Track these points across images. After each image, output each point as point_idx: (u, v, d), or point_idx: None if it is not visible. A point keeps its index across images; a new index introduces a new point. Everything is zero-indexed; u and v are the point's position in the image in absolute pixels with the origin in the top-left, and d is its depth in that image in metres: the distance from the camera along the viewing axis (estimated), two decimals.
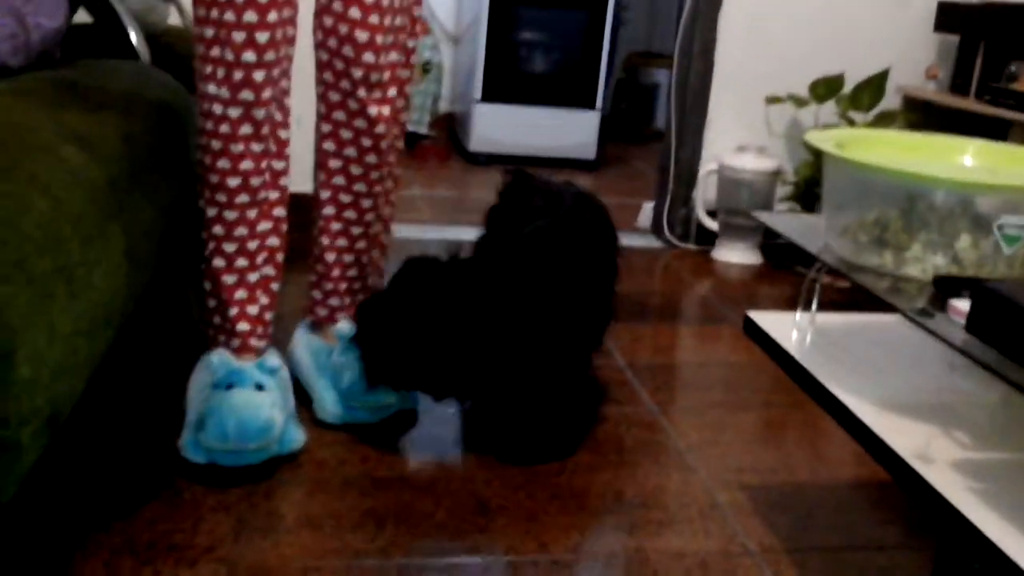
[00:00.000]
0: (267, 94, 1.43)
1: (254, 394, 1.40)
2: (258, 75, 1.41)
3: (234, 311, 1.50)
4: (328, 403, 1.57)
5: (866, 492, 1.51)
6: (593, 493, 1.44)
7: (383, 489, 1.40)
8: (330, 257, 1.66)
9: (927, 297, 1.04)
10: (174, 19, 2.30)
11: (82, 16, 1.79)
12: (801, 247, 1.23)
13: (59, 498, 1.32)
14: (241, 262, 1.50)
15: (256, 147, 1.44)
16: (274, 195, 1.50)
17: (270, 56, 1.41)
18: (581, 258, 1.56)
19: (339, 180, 1.62)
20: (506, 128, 3.86)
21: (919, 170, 1.10)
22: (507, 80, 3.84)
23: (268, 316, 1.54)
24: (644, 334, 2.10)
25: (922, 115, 2.61)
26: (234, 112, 1.41)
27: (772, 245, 2.70)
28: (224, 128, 1.41)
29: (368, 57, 1.52)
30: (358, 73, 1.53)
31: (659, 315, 2.23)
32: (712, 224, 2.70)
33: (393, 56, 1.56)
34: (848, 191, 1.19)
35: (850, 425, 1.11)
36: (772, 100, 2.60)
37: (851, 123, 2.52)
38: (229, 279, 1.50)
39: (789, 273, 2.60)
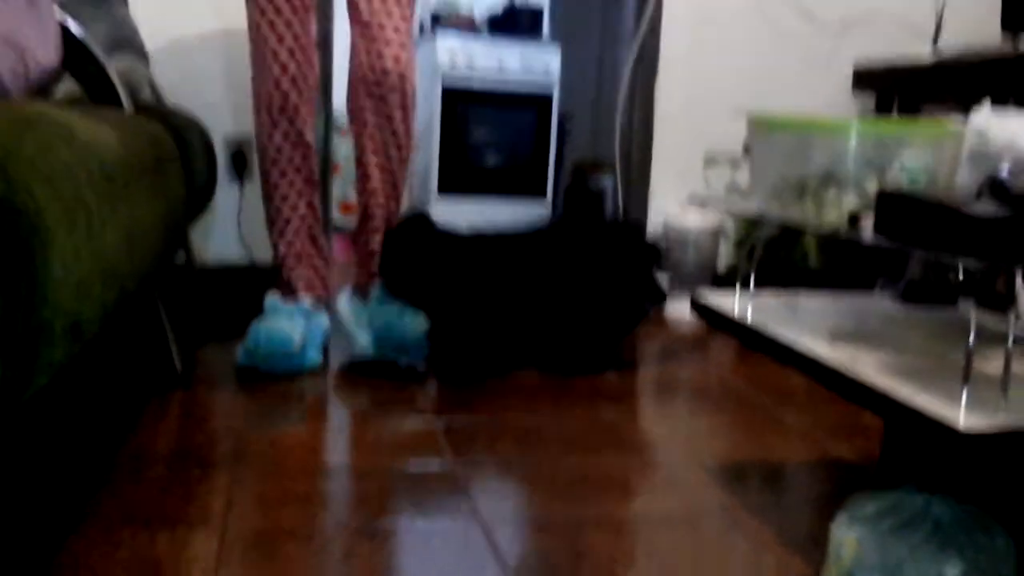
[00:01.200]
0: (294, 96, 2.09)
1: (284, 320, 2.07)
2: (284, 83, 2.07)
3: (287, 273, 2.18)
4: (363, 341, 2.10)
5: (815, 467, 1.62)
6: (560, 474, 1.53)
7: (366, 476, 1.49)
8: (376, 239, 2.20)
9: (843, 224, 1.19)
10: (146, 95, 2.45)
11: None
12: (742, 212, 1.38)
13: (55, 476, 1.39)
14: (284, 248, 2.18)
15: (288, 147, 2.11)
16: (308, 191, 2.16)
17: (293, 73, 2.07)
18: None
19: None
20: (463, 219, 4.03)
21: (834, 122, 1.27)
22: (462, 174, 4.05)
23: (309, 278, 2.19)
24: (606, 376, 2.22)
25: None
26: (274, 112, 2.08)
27: None
28: (276, 138, 2.11)
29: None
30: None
31: (618, 362, 2.36)
32: (663, 282, 2.86)
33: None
34: (773, 156, 1.35)
35: (787, 356, 1.23)
36: (709, 162, 2.81)
37: None
38: (287, 254, 2.17)
39: None
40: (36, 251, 0.86)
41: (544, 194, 4.11)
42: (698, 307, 1.52)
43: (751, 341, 1.35)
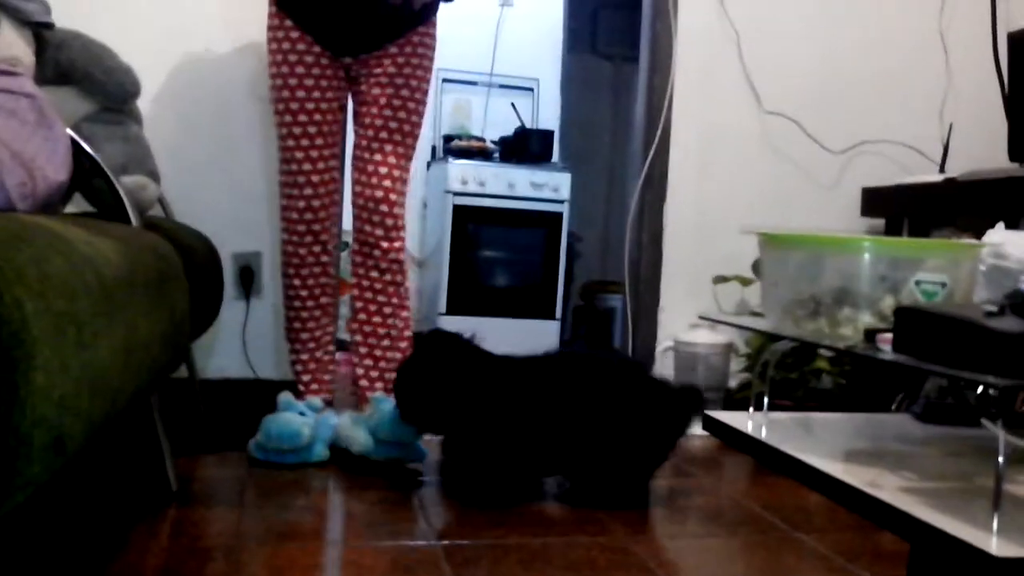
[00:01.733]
0: (323, 214, 2.34)
1: (295, 416, 2.17)
2: (315, 203, 2.32)
3: (298, 370, 2.40)
4: (362, 439, 2.16)
5: None
6: None
7: None
8: (363, 364, 2.40)
9: (859, 341, 1.15)
10: (157, 211, 2.47)
11: None
12: (753, 328, 1.35)
13: None
14: (299, 348, 2.42)
15: (311, 259, 2.35)
16: (325, 300, 2.39)
17: (322, 195, 2.33)
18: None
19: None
20: None
21: (846, 239, 1.24)
22: (470, 294, 4.04)
23: (320, 380, 2.41)
24: None
25: None
26: (301, 227, 2.32)
27: None
28: (301, 251, 2.35)
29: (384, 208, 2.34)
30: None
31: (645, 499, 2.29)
32: None
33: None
34: (785, 273, 1.32)
35: (806, 476, 1.18)
36: (719, 280, 2.79)
37: None
38: (295, 355, 2.42)
39: None
40: (19, 362, 0.83)
41: (554, 315, 4.09)
42: (712, 425, 1.47)
43: (768, 460, 1.29)
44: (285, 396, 2.25)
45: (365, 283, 2.36)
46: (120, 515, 1.77)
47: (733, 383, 2.80)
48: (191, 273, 1.99)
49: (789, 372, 2.60)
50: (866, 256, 1.20)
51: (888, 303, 1.19)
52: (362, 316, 2.38)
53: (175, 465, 1.94)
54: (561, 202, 4.11)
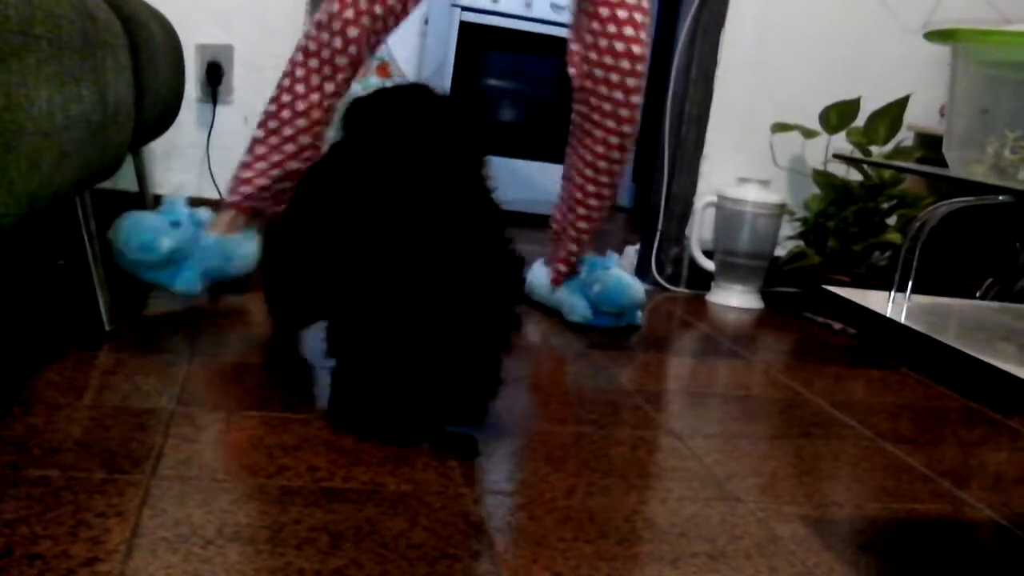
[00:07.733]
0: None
1: (156, 220, 1.67)
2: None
3: (242, 163, 1.74)
4: (579, 307, 1.93)
5: (954, 529, 1.19)
6: (616, 519, 1.09)
7: (338, 502, 1.04)
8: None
9: None
10: None
11: None
12: (939, 175, 0.94)
13: None
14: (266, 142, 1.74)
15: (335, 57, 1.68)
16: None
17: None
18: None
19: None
20: None
21: None
22: None
23: (258, 185, 1.72)
24: (648, 361, 1.78)
25: (938, 152, 2.38)
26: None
27: (775, 292, 2.42)
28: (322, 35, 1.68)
29: None
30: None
31: (659, 347, 1.92)
32: (708, 264, 2.42)
33: None
34: (986, 94, 0.90)
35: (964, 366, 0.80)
36: (779, 128, 2.36)
37: (867, 155, 2.28)
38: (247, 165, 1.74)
39: (795, 320, 2.31)
40: None
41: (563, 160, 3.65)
42: (830, 300, 1.08)
43: (912, 346, 0.91)
44: (173, 197, 1.74)
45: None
46: (34, 361, 1.38)
47: (781, 251, 2.40)
48: (139, 54, 1.55)
49: (852, 243, 2.20)
50: None
51: None
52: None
53: (111, 298, 1.54)
54: None
